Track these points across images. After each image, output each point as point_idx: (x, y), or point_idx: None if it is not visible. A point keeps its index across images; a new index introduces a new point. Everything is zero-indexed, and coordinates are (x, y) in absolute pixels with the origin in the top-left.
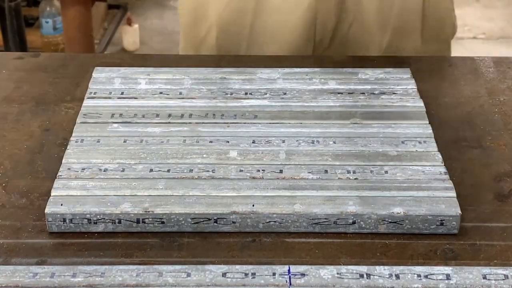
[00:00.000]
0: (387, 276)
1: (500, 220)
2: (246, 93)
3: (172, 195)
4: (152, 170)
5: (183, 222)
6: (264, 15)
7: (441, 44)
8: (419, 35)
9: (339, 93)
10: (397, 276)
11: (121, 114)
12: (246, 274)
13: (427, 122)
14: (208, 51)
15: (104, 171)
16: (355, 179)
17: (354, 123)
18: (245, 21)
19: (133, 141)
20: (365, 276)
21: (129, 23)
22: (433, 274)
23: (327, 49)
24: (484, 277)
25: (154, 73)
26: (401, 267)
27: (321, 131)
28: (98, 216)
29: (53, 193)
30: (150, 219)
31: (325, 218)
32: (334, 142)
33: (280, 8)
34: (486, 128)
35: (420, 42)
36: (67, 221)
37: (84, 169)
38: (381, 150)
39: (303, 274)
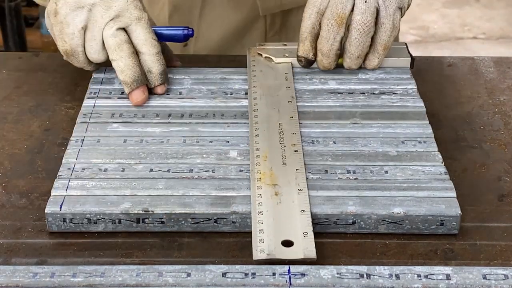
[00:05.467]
0: (387, 276)
1: (500, 220)
2: (246, 93)
3: (172, 195)
4: (152, 170)
5: (183, 222)
6: None
7: None
8: None
9: (339, 93)
10: (397, 276)
11: (121, 114)
12: (246, 274)
13: (427, 122)
14: None
15: (104, 171)
16: (355, 179)
17: (354, 123)
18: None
19: (133, 141)
20: (365, 276)
21: None
22: (433, 274)
23: (278, 32)
24: (484, 277)
25: None
26: (401, 267)
27: (321, 131)
28: (98, 216)
29: (53, 193)
30: (150, 219)
31: (325, 218)
32: (334, 142)
33: None
34: (486, 128)
35: None
36: (67, 220)
37: (84, 169)
38: (381, 150)
39: (303, 274)
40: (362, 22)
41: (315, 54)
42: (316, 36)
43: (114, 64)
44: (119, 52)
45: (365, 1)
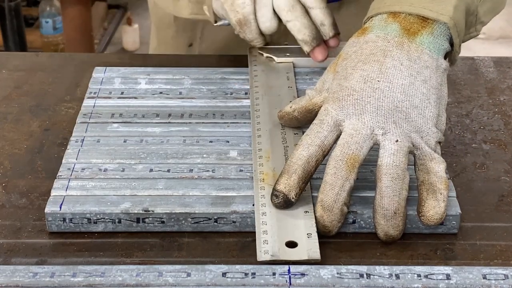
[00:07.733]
0: (387, 276)
1: (500, 220)
2: (246, 93)
3: (172, 195)
4: (152, 170)
5: (183, 221)
6: None
7: None
8: None
9: None
10: (397, 276)
11: (121, 114)
12: (246, 274)
13: None
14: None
15: (104, 171)
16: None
17: None
18: None
19: (133, 141)
20: (365, 276)
21: (129, 23)
22: (433, 274)
23: (283, 35)
24: (484, 277)
25: (154, 73)
26: (401, 267)
27: None
28: (98, 216)
29: (53, 193)
30: (150, 219)
31: None
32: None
33: None
34: (486, 128)
35: None
36: (67, 220)
37: (84, 169)
38: None
39: (303, 274)
40: (394, 165)
41: (298, 195)
42: (307, 174)
43: (290, 25)
44: (294, 12)
45: (396, 141)
